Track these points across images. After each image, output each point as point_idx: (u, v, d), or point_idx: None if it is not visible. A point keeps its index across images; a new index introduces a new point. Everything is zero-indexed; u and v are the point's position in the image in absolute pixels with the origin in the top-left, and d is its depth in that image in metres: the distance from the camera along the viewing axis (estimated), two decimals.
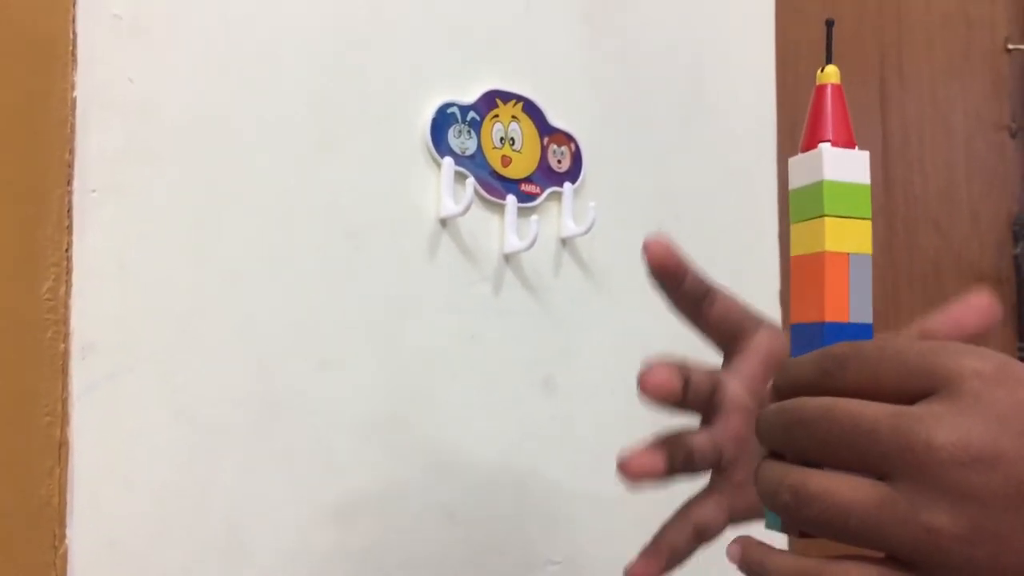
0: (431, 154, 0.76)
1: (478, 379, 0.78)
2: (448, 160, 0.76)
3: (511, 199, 0.79)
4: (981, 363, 0.31)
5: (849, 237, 0.38)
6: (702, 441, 0.46)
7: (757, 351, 0.47)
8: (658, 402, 0.44)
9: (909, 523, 0.31)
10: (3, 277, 0.59)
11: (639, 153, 0.89)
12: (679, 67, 0.92)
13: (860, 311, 0.38)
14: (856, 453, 0.32)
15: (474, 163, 0.78)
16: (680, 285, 0.46)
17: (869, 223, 0.38)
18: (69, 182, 0.61)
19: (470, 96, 0.78)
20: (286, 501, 0.68)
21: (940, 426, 0.30)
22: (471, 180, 0.76)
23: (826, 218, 0.38)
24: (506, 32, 0.82)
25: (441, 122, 0.76)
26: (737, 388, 0.46)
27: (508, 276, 0.80)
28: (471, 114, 0.78)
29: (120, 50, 0.64)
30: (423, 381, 0.75)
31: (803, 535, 0.36)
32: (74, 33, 0.62)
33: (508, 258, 0.80)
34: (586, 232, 0.81)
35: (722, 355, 0.49)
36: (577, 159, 0.83)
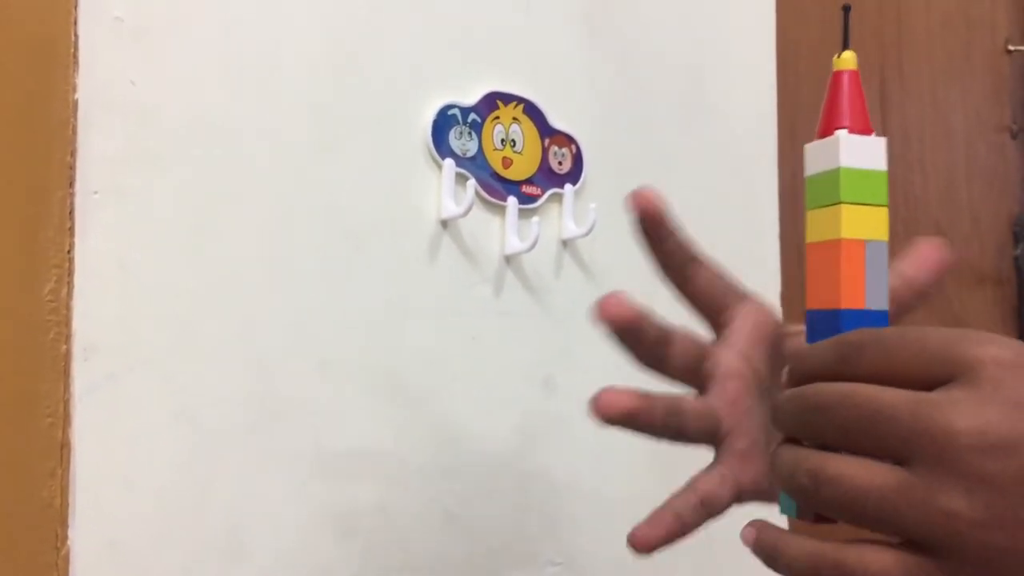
0: (432, 156, 0.76)
1: (479, 380, 0.78)
2: (449, 162, 0.76)
3: (512, 201, 0.79)
4: (1000, 351, 0.32)
5: (865, 224, 0.38)
6: (696, 405, 0.45)
7: (745, 322, 0.46)
8: (616, 331, 0.43)
9: (927, 507, 0.31)
10: (5, 278, 0.59)
11: (640, 154, 0.89)
12: (680, 68, 0.92)
13: (876, 298, 0.38)
14: (875, 438, 0.32)
15: (475, 165, 0.78)
16: (664, 242, 0.45)
17: (886, 210, 0.38)
18: (71, 184, 0.61)
19: (471, 98, 0.78)
20: (287, 502, 0.69)
21: (959, 412, 0.31)
22: (472, 182, 0.77)
23: (842, 205, 0.38)
24: (507, 34, 0.82)
25: (442, 124, 0.76)
26: (730, 356, 0.46)
27: (509, 277, 0.80)
28: (472, 116, 0.78)
29: (121, 52, 0.64)
30: (424, 382, 0.75)
31: (818, 520, 0.36)
32: (76, 35, 0.62)
33: (509, 259, 0.80)
34: (587, 234, 0.81)
35: (711, 329, 0.48)
36: (578, 161, 0.84)
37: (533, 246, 0.77)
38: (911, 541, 0.32)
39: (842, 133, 0.38)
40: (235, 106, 0.68)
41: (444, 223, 0.77)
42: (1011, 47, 1.37)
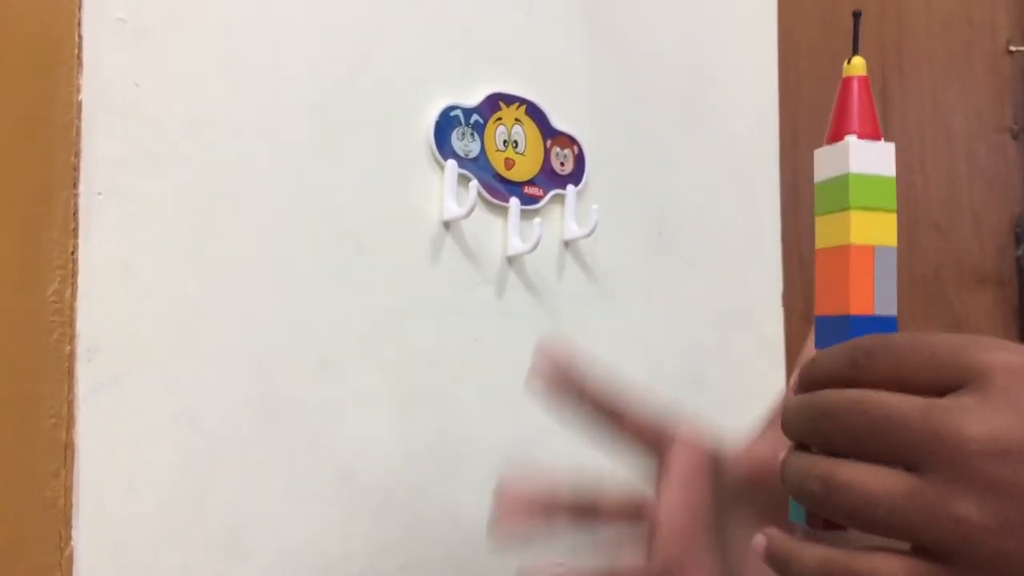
0: (434, 157, 0.76)
1: (481, 381, 0.78)
2: (451, 163, 0.76)
3: (514, 202, 0.79)
4: (1011, 357, 0.32)
5: (874, 230, 0.38)
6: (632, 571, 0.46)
7: (683, 457, 0.47)
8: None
9: (937, 514, 0.31)
10: (9, 280, 0.59)
11: (642, 155, 0.89)
12: (680, 68, 0.92)
13: (885, 304, 0.38)
14: (885, 445, 0.32)
15: (477, 166, 0.78)
16: (581, 404, 0.47)
17: (894, 216, 0.39)
18: (75, 185, 0.62)
19: (473, 99, 0.78)
20: (289, 503, 0.69)
21: (970, 419, 0.31)
22: (474, 183, 0.77)
23: (851, 211, 0.38)
24: (509, 35, 0.82)
25: (444, 125, 0.76)
26: (671, 502, 0.47)
27: (511, 278, 0.80)
28: (474, 117, 0.78)
29: (125, 54, 0.64)
30: (425, 383, 0.76)
31: (828, 527, 0.36)
32: (79, 37, 0.62)
33: (511, 260, 0.80)
34: (589, 234, 0.81)
35: (652, 466, 0.49)
36: (580, 162, 0.84)
37: (535, 247, 0.77)
38: (922, 548, 0.32)
39: (851, 139, 0.38)
40: (237, 107, 0.68)
41: (446, 224, 0.77)
42: (1012, 48, 1.37)
